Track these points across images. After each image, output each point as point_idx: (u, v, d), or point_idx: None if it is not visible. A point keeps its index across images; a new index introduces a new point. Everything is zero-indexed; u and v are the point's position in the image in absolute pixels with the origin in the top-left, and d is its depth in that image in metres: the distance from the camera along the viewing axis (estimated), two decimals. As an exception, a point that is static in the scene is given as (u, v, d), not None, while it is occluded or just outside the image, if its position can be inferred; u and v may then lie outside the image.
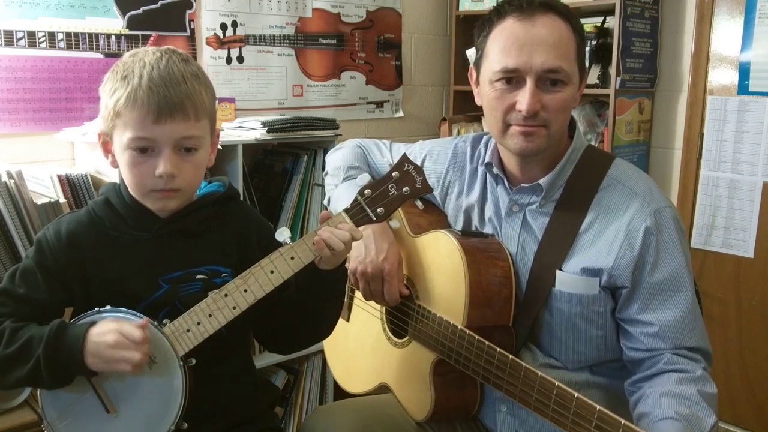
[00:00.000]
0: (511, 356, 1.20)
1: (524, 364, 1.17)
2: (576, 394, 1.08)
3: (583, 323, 1.30)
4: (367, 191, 1.21)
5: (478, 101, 1.39)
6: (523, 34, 1.26)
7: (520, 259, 1.36)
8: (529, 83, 1.25)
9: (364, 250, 1.40)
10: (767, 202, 2.57)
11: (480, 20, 1.37)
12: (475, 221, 1.46)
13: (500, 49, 1.28)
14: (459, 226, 1.47)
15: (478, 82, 1.38)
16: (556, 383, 1.12)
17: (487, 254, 1.35)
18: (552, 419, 1.12)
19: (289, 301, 1.25)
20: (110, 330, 1.09)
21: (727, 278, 2.70)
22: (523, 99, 1.25)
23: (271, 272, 1.16)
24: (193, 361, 1.15)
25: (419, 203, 1.25)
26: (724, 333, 2.69)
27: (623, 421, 1.01)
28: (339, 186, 1.59)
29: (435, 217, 1.51)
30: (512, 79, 1.27)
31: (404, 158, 1.23)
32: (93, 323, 1.12)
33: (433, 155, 1.56)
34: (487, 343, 1.23)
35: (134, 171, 1.17)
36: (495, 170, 1.41)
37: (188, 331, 1.14)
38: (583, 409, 1.06)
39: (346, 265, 1.29)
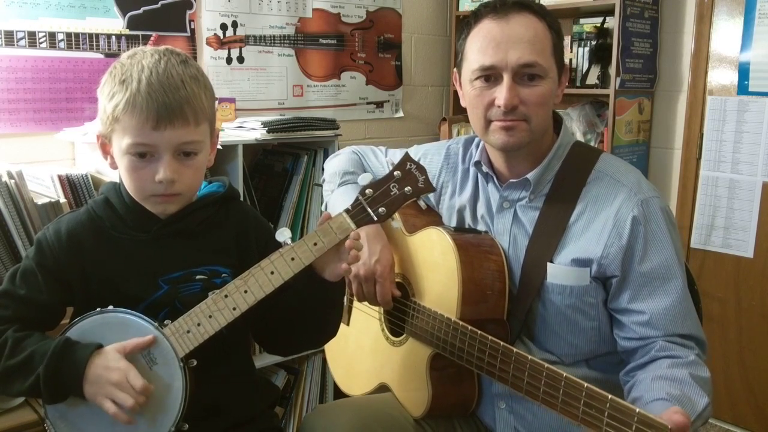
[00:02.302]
0: (502, 343, 1.21)
1: (515, 350, 1.19)
2: (564, 374, 1.09)
3: (576, 315, 1.32)
4: (369, 191, 1.20)
5: (463, 103, 1.43)
6: (498, 32, 1.31)
7: (513, 253, 1.37)
8: (506, 79, 1.29)
9: None
10: (767, 202, 2.57)
11: (459, 24, 1.40)
12: (468, 220, 1.48)
13: (477, 48, 1.33)
14: (453, 225, 1.49)
15: (461, 84, 1.42)
16: (546, 365, 1.13)
17: (480, 249, 1.36)
18: (543, 401, 1.12)
19: (288, 305, 1.25)
20: (118, 368, 1.09)
21: (726, 278, 2.70)
22: (500, 94, 1.29)
23: (271, 273, 1.15)
24: (194, 362, 1.14)
25: (422, 203, 1.25)
26: (724, 333, 2.70)
27: (610, 396, 1.02)
28: (335, 192, 1.60)
29: (431, 217, 1.53)
30: (490, 76, 1.31)
31: (406, 157, 1.23)
32: (99, 346, 1.12)
33: (427, 157, 1.59)
34: (479, 332, 1.24)
35: (134, 176, 1.17)
36: (484, 168, 1.43)
37: (188, 332, 1.13)
38: (572, 389, 1.07)
39: None
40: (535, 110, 1.31)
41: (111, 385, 1.08)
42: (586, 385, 1.06)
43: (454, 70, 1.46)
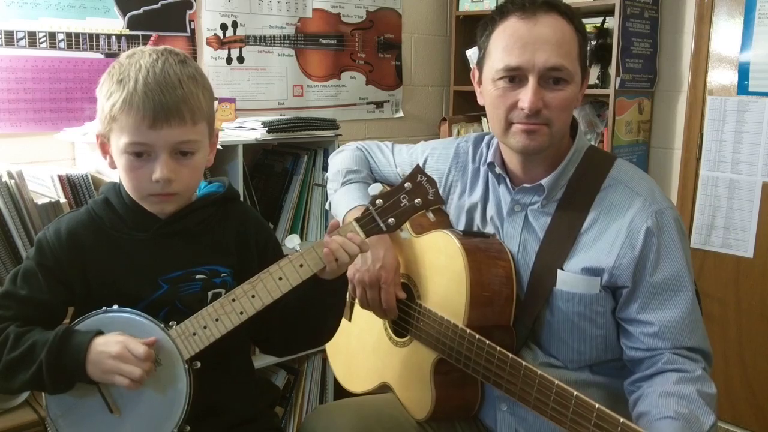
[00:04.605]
0: (511, 355, 1.20)
1: (524, 363, 1.18)
2: (575, 393, 1.09)
3: (583, 323, 1.31)
4: (379, 201, 1.20)
5: (480, 101, 1.40)
6: (525, 32, 1.27)
7: (522, 258, 1.36)
8: (532, 81, 1.26)
9: (361, 259, 1.40)
10: (767, 202, 2.57)
11: (482, 20, 1.38)
12: (477, 221, 1.46)
13: (503, 47, 1.29)
14: (461, 226, 1.47)
15: (480, 82, 1.39)
16: (556, 382, 1.12)
17: (488, 254, 1.35)
18: (551, 417, 1.12)
19: (288, 306, 1.24)
20: (116, 341, 1.10)
21: (726, 278, 2.70)
22: (525, 97, 1.26)
23: (280, 279, 1.16)
24: (198, 364, 1.15)
25: (431, 215, 1.23)
26: (724, 333, 2.70)
27: (622, 420, 1.02)
28: (338, 191, 1.59)
29: (438, 217, 1.51)
30: (515, 77, 1.28)
31: (417, 169, 1.23)
32: (100, 332, 1.12)
33: (434, 155, 1.56)
34: (487, 342, 1.23)
35: (131, 175, 1.17)
36: (497, 170, 1.41)
37: (194, 334, 1.14)
38: (582, 408, 1.07)
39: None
40: (558, 115, 1.28)
41: (113, 359, 1.08)
42: (597, 406, 1.05)
43: (474, 67, 1.42)
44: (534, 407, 1.15)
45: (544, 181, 1.34)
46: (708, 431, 1.13)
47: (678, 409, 1.12)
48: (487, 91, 1.34)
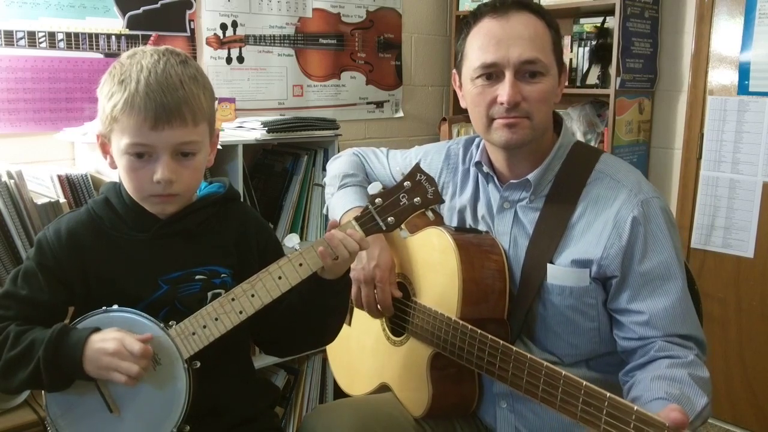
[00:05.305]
0: (502, 342, 1.21)
1: (515, 349, 1.19)
2: (563, 372, 1.09)
3: (576, 315, 1.32)
4: (378, 200, 1.20)
5: (462, 104, 1.43)
6: (499, 30, 1.32)
7: (513, 254, 1.38)
8: (508, 75, 1.29)
9: (356, 258, 1.41)
10: (767, 202, 2.57)
11: (459, 25, 1.40)
12: (469, 220, 1.48)
13: (478, 47, 1.33)
14: (454, 225, 1.49)
15: (461, 85, 1.42)
16: (545, 363, 1.13)
17: (481, 249, 1.36)
18: (542, 400, 1.13)
19: (290, 307, 1.25)
20: (112, 338, 1.09)
21: (727, 278, 2.70)
22: (503, 91, 1.30)
23: (279, 278, 1.16)
24: (198, 364, 1.14)
25: (430, 214, 1.24)
26: (724, 333, 2.70)
27: (608, 394, 1.02)
28: (334, 194, 1.61)
29: (434, 216, 1.52)
30: (492, 74, 1.32)
31: (417, 168, 1.23)
32: (97, 329, 1.12)
33: (427, 158, 1.59)
34: (479, 331, 1.25)
35: (132, 176, 1.17)
36: (485, 168, 1.43)
37: (194, 333, 1.14)
38: (571, 387, 1.08)
39: None
40: (537, 107, 1.31)
41: (110, 356, 1.08)
42: (584, 383, 1.06)
43: (454, 71, 1.46)
44: (526, 391, 1.16)
45: (530, 176, 1.36)
46: (700, 412, 1.13)
47: (669, 391, 1.12)
48: (468, 91, 1.38)
